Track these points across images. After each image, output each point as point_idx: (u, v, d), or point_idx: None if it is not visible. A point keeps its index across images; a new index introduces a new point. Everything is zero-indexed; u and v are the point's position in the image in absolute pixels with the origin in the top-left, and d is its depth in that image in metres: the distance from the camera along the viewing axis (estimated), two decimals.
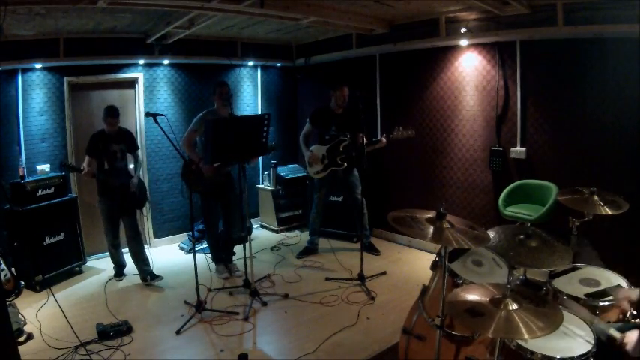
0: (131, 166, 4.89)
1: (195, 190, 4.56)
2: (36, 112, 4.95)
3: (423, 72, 5.37)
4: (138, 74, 5.63)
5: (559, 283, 2.63)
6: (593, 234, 3.34)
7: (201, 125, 4.50)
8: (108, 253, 4.90)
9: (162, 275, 4.69)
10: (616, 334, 2.02)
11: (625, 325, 2.14)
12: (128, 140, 4.71)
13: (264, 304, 4.16)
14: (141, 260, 4.70)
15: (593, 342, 2.02)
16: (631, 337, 1.95)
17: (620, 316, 2.31)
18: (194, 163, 4.40)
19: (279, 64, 6.93)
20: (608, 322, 2.26)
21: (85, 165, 4.42)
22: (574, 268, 2.77)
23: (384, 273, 4.83)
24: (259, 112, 6.64)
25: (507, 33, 4.44)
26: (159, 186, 5.89)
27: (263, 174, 6.79)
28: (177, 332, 3.68)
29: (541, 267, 2.41)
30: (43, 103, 4.98)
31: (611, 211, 2.78)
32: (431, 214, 2.34)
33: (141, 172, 4.98)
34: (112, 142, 4.53)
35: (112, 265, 5.11)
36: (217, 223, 4.86)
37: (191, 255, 4.12)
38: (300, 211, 6.59)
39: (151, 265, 4.75)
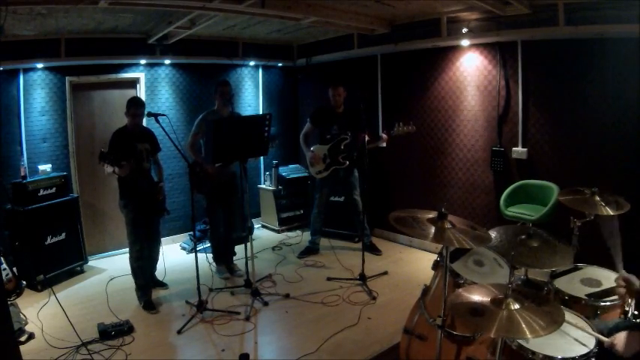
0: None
1: (200, 191, 4.56)
2: (37, 111, 4.95)
3: (425, 72, 5.37)
4: (139, 74, 5.64)
5: (560, 283, 2.63)
6: (594, 234, 3.33)
7: (201, 127, 4.51)
8: (130, 272, 4.23)
9: (167, 282, 4.65)
10: (603, 338, 2.01)
11: (621, 323, 2.13)
12: (152, 140, 4.34)
13: (266, 304, 4.16)
14: (153, 266, 4.53)
15: (594, 342, 2.02)
16: (620, 338, 1.94)
17: (622, 316, 2.31)
18: (199, 166, 4.39)
19: (280, 64, 6.93)
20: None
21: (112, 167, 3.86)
22: (575, 269, 2.77)
23: (385, 273, 4.83)
24: (260, 112, 6.65)
25: (508, 33, 4.43)
26: None
27: (264, 174, 6.79)
28: (179, 332, 3.68)
29: (542, 267, 2.41)
30: (44, 103, 4.99)
31: (612, 211, 2.77)
32: (432, 214, 2.34)
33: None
34: (137, 140, 4.15)
35: (114, 266, 5.14)
36: (221, 224, 4.85)
37: (192, 255, 4.12)
38: (302, 211, 6.59)
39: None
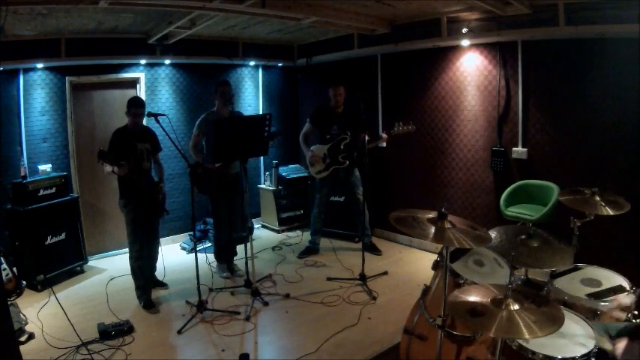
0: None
1: (204, 192, 4.56)
2: (37, 111, 4.95)
3: (425, 72, 5.37)
4: (139, 74, 5.64)
5: (560, 283, 2.62)
6: (594, 234, 3.34)
7: (202, 127, 4.52)
8: (130, 271, 4.23)
9: (167, 282, 4.66)
10: (608, 346, 2.00)
11: (624, 327, 2.13)
12: (153, 140, 4.33)
13: (266, 304, 4.17)
14: (152, 266, 4.51)
15: (594, 342, 2.02)
16: (620, 346, 1.94)
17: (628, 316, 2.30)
18: (201, 167, 4.39)
19: (280, 64, 6.93)
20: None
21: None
22: (575, 269, 2.76)
23: (385, 273, 4.82)
24: (261, 112, 6.65)
25: (509, 33, 4.43)
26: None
27: (264, 174, 6.80)
28: (179, 332, 3.69)
29: (542, 267, 2.41)
30: (44, 102, 4.99)
31: (612, 212, 2.77)
32: (432, 214, 2.34)
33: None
34: (137, 140, 4.14)
35: (114, 266, 5.14)
36: (226, 224, 4.85)
37: (192, 255, 4.12)
38: (302, 211, 6.59)
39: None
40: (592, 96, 4.05)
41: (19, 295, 3.49)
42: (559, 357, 1.94)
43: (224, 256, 4.93)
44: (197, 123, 4.66)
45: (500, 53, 4.65)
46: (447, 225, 2.23)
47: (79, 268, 5.01)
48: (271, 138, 4.35)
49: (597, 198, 2.86)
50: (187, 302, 4.18)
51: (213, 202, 4.76)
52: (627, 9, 3.58)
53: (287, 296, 4.33)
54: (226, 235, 4.86)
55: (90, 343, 3.44)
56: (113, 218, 5.47)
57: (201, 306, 3.93)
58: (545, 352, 1.96)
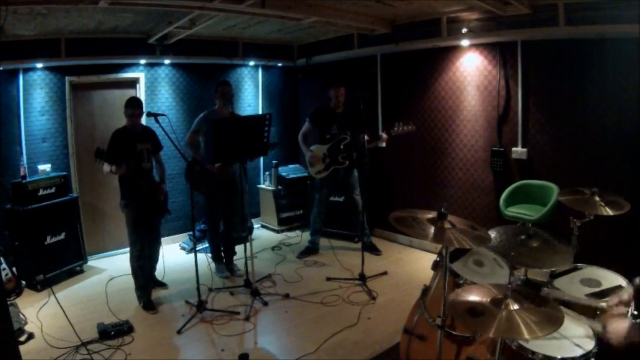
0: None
1: (199, 190, 4.56)
2: (37, 111, 4.95)
3: (425, 72, 5.37)
4: (139, 74, 5.64)
5: (560, 283, 2.62)
6: (594, 234, 3.33)
7: (202, 125, 4.52)
8: (130, 272, 4.23)
9: (167, 282, 4.66)
10: (598, 327, 1.99)
11: None
12: (153, 139, 4.32)
13: (265, 304, 4.16)
14: (153, 266, 4.51)
15: (594, 342, 2.02)
16: (614, 326, 1.93)
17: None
18: (198, 164, 4.38)
19: (280, 64, 6.93)
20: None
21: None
22: (575, 269, 2.76)
23: (385, 273, 4.82)
24: (260, 112, 6.65)
25: (509, 33, 4.44)
26: None
27: (264, 174, 6.80)
28: (179, 332, 3.68)
29: (542, 267, 2.41)
30: (44, 102, 4.99)
31: (612, 212, 2.77)
32: (432, 215, 2.34)
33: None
34: (137, 140, 4.13)
35: (114, 266, 5.14)
36: (220, 223, 4.86)
37: (192, 255, 4.12)
38: (302, 211, 6.59)
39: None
40: (592, 96, 4.05)
41: (18, 295, 3.48)
42: (559, 357, 1.94)
43: (221, 256, 4.93)
44: (197, 120, 4.66)
45: (500, 53, 4.65)
46: (447, 225, 2.23)
47: (78, 268, 5.01)
48: (270, 148, 4.36)
49: (597, 198, 2.86)
50: (187, 302, 4.18)
51: (207, 201, 4.76)
52: (627, 9, 3.58)
53: (286, 296, 4.32)
54: (219, 235, 4.87)
55: (89, 343, 3.43)
56: (113, 218, 5.47)
57: (200, 306, 3.93)
58: (545, 352, 1.96)
